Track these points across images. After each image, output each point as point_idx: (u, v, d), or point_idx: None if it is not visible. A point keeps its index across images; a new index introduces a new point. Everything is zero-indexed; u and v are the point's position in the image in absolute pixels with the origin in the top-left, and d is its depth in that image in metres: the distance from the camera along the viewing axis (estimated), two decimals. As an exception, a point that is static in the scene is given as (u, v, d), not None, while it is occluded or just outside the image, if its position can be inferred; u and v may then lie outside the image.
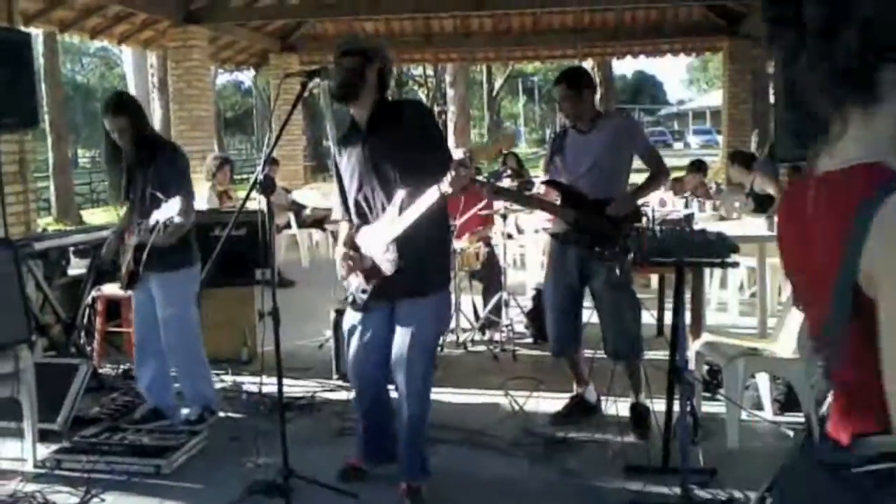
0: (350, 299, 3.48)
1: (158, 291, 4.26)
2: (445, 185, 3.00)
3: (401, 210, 3.20)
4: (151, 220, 3.88)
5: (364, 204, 3.40)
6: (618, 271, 4.02)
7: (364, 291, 3.40)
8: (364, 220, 3.42)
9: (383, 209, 3.31)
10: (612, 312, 4.13)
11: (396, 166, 3.26)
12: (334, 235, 3.62)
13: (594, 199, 4.12)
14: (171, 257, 4.15)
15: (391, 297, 3.37)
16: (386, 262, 3.27)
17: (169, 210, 3.75)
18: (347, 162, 3.42)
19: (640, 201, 4.39)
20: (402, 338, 3.35)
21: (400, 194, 3.22)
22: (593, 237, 4.04)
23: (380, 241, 3.29)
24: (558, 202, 4.29)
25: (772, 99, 10.75)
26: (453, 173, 2.97)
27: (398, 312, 3.39)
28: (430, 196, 3.08)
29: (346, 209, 3.51)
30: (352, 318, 3.54)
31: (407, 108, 3.43)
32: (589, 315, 4.28)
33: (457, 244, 6.15)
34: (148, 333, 4.36)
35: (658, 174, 4.33)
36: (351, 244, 3.45)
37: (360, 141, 3.35)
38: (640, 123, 4.80)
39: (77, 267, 6.07)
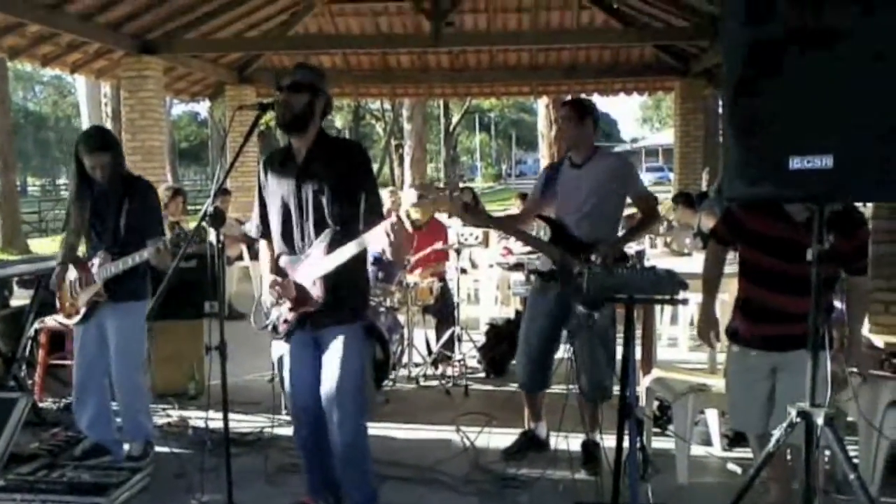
0: (270, 327, 3.46)
1: (114, 322, 4.19)
2: (381, 242, 3.07)
3: (329, 250, 3.24)
4: (137, 256, 3.95)
5: (289, 233, 3.40)
6: (596, 315, 4.03)
7: (286, 321, 3.40)
8: (288, 247, 3.42)
9: (308, 243, 3.34)
10: (589, 356, 4.12)
11: (329, 204, 3.29)
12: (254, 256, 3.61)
13: (582, 239, 4.06)
14: (130, 288, 4.15)
15: (314, 326, 3.38)
16: (313, 295, 3.30)
17: (146, 254, 3.91)
18: (277, 186, 3.41)
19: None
20: (329, 369, 3.33)
21: (328, 233, 3.26)
22: (574, 281, 4.01)
23: (307, 275, 3.31)
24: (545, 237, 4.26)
25: (721, 138, 11.01)
26: (390, 231, 3.02)
27: (322, 342, 3.39)
28: (361, 243, 3.16)
29: (266, 229, 3.51)
30: (279, 348, 3.53)
31: (346, 148, 3.44)
32: (556, 352, 4.28)
33: (410, 278, 6.14)
34: (92, 368, 4.26)
35: (650, 219, 4.33)
36: (278, 271, 3.43)
37: (294, 172, 3.36)
38: (634, 166, 4.79)
39: (20, 297, 5.92)
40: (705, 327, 3.66)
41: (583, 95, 13.70)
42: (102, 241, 4.19)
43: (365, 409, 3.50)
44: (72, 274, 4.26)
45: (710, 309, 3.67)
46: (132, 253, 4.01)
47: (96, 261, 4.15)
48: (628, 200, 4.30)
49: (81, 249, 4.38)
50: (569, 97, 15.04)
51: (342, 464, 3.41)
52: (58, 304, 4.38)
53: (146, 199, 4.25)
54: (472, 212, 4.04)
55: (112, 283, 4.12)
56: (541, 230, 5.42)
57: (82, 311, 4.21)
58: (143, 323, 4.23)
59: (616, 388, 4.24)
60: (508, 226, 4.54)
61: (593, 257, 3.97)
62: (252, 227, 3.60)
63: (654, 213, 4.36)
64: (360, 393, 3.43)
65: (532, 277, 4.52)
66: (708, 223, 7.35)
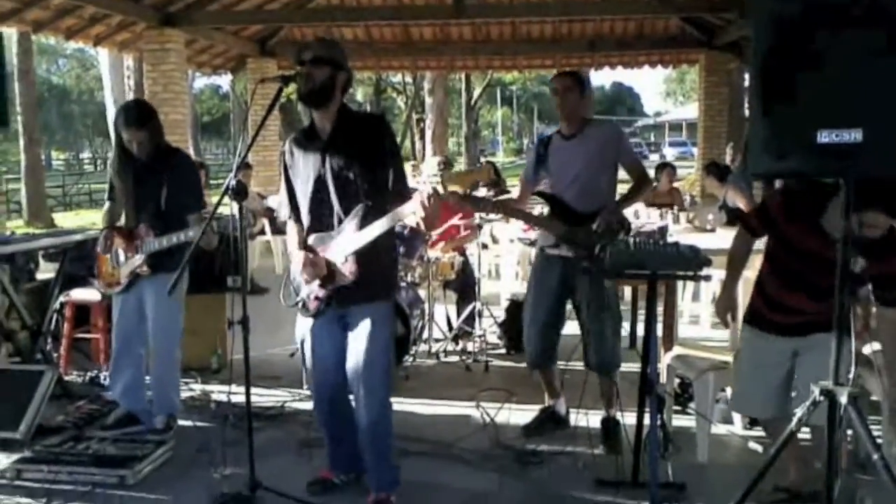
0: (301, 304, 3.46)
1: (153, 296, 4.24)
2: (415, 215, 3.02)
3: (360, 225, 3.22)
4: (182, 235, 4.02)
5: (318, 211, 3.37)
6: (605, 288, 4.02)
7: (318, 298, 3.38)
8: (316, 225, 3.39)
9: (339, 220, 3.31)
10: (596, 328, 4.11)
11: (356, 179, 3.26)
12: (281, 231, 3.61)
13: (581, 212, 4.08)
14: (171, 263, 4.13)
15: (342, 303, 3.36)
16: (346, 272, 3.28)
17: (192, 234, 3.97)
18: (303, 166, 3.40)
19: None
20: (356, 346, 3.33)
21: (360, 209, 3.23)
22: (580, 252, 4.02)
23: (339, 251, 3.29)
24: (545, 213, 4.26)
25: (746, 112, 10.86)
26: (425, 203, 2.97)
27: (350, 320, 3.38)
28: (394, 217, 3.12)
29: (294, 210, 3.49)
30: (304, 324, 3.53)
31: (370, 122, 3.41)
32: (566, 326, 4.27)
33: (431, 253, 6.13)
34: (130, 338, 4.34)
35: (642, 183, 4.31)
36: (307, 249, 3.42)
37: (320, 148, 3.33)
38: (625, 133, 4.76)
39: (45, 271, 5.97)
40: (724, 307, 3.64)
41: (606, 68, 13.61)
42: (145, 214, 4.22)
43: (391, 387, 3.49)
44: (117, 243, 4.30)
45: (731, 289, 3.64)
46: (175, 228, 4.06)
47: (141, 233, 4.19)
48: None
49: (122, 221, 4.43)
50: (591, 71, 14.93)
51: (366, 441, 3.42)
52: (96, 272, 4.42)
53: (187, 173, 4.30)
54: (471, 199, 4.04)
55: (154, 258, 4.16)
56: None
57: (124, 282, 4.26)
58: (182, 297, 4.29)
59: (625, 361, 4.26)
60: (507, 208, 4.52)
61: (595, 226, 3.98)
62: (281, 209, 3.59)
63: (646, 177, 4.35)
64: (387, 371, 3.43)
65: (536, 254, 4.51)
66: (734, 199, 7.29)
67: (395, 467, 3.53)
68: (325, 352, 3.45)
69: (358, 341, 3.32)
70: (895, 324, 3.25)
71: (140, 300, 4.29)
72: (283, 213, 3.56)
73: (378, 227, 3.16)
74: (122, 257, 4.28)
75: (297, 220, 3.48)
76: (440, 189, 3.00)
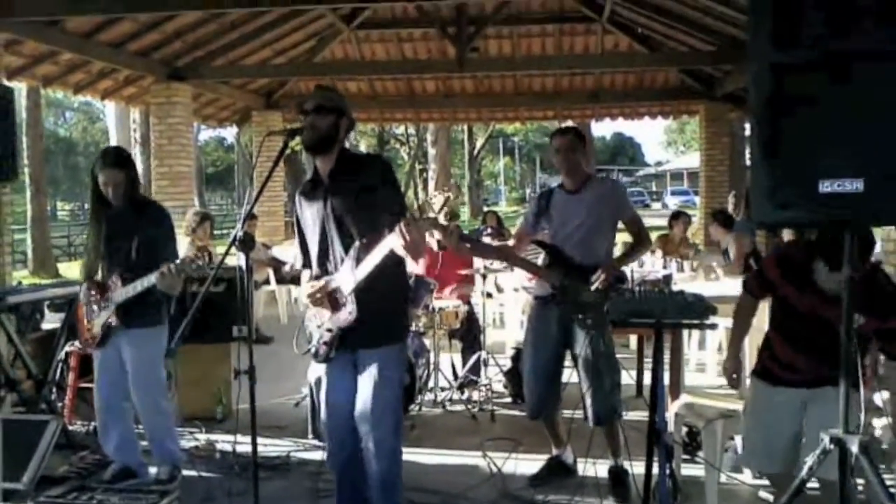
0: (313, 350, 3.46)
1: (130, 349, 4.22)
2: (398, 244, 3.03)
3: (357, 262, 3.24)
4: (146, 281, 3.98)
5: (325, 254, 3.41)
6: (601, 339, 4.03)
7: (325, 343, 3.38)
8: (324, 270, 3.42)
9: (341, 261, 3.34)
10: (594, 379, 4.10)
11: (354, 217, 3.30)
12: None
13: (580, 263, 4.12)
14: (146, 314, 4.17)
15: (352, 348, 3.36)
16: (345, 313, 3.29)
17: (153, 278, 3.93)
18: (310, 214, 3.45)
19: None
20: (365, 390, 3.31)
21: (355, 247, 3.26)
22: (577, 303, 4.04)
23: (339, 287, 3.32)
24: (540, 262, 4.30)
25: (748, 161, 10.95)
26: (403, 230, 2.99)
27: (360, 364, 3.37)
28: (382, 249, 3.12)
29: (306, 259, 3.52)
30: (316, 370, 3.53)
31: (367, 161, 3.49)
32: (568, 375, 4.25)
33: (436, 303, 6.15)
34: (114, 392, 4.30)
35: (641, 242, 4.37)
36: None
37: (322, 192, 3.39)
38: (626, 189, 4.82)
39: (51, 321, 5.98)
40: (731, 368, 3.65)
41: (607, 119, 13.77)
42: (116, 265, 4.21)
43: (401, 433, 3.48)
44: (90, 297, 4.30)
45: (737, 350, 3.67)
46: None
47: (111, 284, 4.19)
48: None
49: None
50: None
51: (377, 488, 3.38)
52: (78, 330, 4.42)
53: (161, 223, 4.27)
54: (471, 242, 4.08)
55: (125, 309, 4.14)
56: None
57: (98, 334, 4.25)
58: (160, 349, 4.25)
59: (632, 409, 4.23)
60: (507, 254, 4.55)
61: (593, 279, 4.00)
62: (297, 260, 3.62)
63: (646, 236, 4.40)
64: (397, 416, 3.42)
65: (532, 303, 4.52)
66: (743, 246, 7.34)
67: None
68: (338, 398, 3.43)
69: (366, 387, 3.31)
70: None
71: (119, 354, 4.26)
72: (298, 263, 3.59)
73: (372, 260, 3.16)
74: (95, 310, 4.27)
75: (310, 268, 3.51)
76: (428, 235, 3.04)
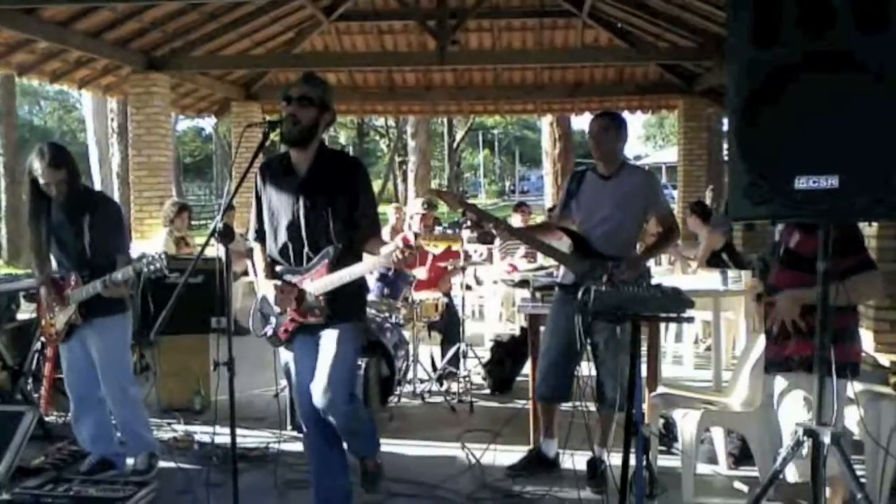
0: (269, 333, 3.48)
1: (94, 340, 4.20)
2: (386, 264, 3.17)
3: (331, 267, 3.30)
4: (115, 276, 3.97)
5: (288, 246, 3.42)
6: (622, 330, 4.02)
7: (287, 330, 3.44)
8: (285, 260, 3.45)
9: (307, 258, 3.37)
10: (613, 367, 4.07)
11: (329, 219, 3.32)
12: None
13: (604, 254, 4.06)
14: (108, 304, 4.14)
15: (313, 331, 3.41)
16: (316, 313, 3.35)
17: (126, 273, 3.96)
18: (277, 199, 3.44)
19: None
20: (323, 356, 3.36)
21: (331, 250, 3.31)
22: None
23: (310, 290, 3.36)
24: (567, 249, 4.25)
25: (725, 156, 11.05)
26: (400, 256, 3.11)
27: (320, 342, 3.41)
28: (368, 267, 3.26)
29: (261, 234, 3.55)
30: (285, 356, 3.55)
31: (347, 165, 3.47)
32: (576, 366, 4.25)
33: (416, 295, 6.16)
34: (84, 385, 4.28)
35: (670, 235, 4.31)
36: (274, 277, 3.47)
37: (297, 185, 3.38)
38: (660, 182, 4.78)
39: (26, 311, 5.93)
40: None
41: (587, 113, 13.81)
42: (70, 262, 4.17)
43: (353, 386, 3.54)
44: (47, 295, 4.24)
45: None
46: (103, 272, 4.01)
47: (68, 283, 4.16)
48: None
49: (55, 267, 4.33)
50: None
51: (346, 434, 3.47)
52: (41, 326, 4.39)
53: (108, 213, 4.20)
54: (495, 222, 4.09)
55: (85, 305, 4.12)
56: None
57: (62, 331, 4.22)
58: (125, 335, 4.27)
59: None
60: (531, 238, 4.53)
61: (617, 272, 3.96)
62: (250, 233, 3.62)
63: (675, 230, 4.35)
64: (350, 385, 3.46)
65: (556, 290, 4.48)
66: (713, 243, 7.38)
67: (376, 440, 3.62)
68: (307, 380, 3.44)
69: (324, 354, 3.36)
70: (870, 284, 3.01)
71: (84, 346, 4.23)
72: (250, 234, 3.59)
73: (353, 272, 3.26)
74: (56, 309, 4.23)
75: (263, 242, 3.53)
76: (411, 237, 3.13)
